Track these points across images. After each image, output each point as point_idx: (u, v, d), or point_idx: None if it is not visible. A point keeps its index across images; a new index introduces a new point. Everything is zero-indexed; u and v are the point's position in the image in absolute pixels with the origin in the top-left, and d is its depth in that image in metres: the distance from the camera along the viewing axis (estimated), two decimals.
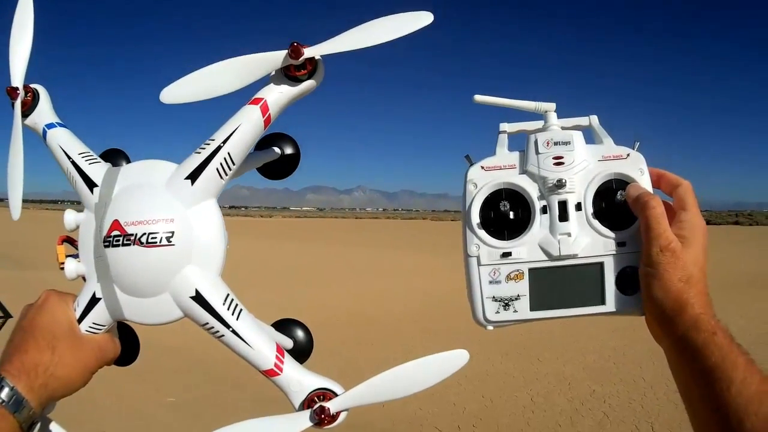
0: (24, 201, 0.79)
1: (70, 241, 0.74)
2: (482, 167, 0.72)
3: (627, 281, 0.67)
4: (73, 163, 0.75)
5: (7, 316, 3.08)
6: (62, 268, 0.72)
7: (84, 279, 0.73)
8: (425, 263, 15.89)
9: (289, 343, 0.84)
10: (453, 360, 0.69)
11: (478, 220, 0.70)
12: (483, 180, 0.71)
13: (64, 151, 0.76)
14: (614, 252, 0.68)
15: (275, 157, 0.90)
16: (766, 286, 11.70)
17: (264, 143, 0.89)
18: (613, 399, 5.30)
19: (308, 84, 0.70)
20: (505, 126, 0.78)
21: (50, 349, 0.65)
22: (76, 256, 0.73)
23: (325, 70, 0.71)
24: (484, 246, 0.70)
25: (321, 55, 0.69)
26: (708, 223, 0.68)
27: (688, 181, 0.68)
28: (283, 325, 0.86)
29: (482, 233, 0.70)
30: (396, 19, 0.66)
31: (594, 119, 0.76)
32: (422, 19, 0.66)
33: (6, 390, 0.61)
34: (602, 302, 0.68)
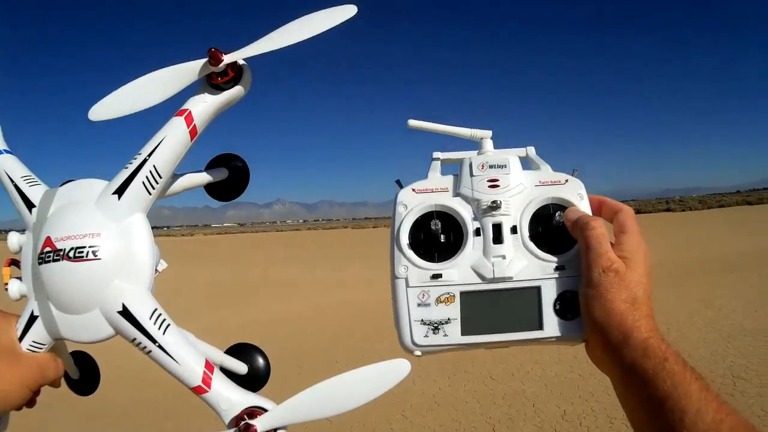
0: None
1: (16, 263, 0.74)
2: (413, 189, 0.70)
3: (566, 306, 0.65)
4: (16, 186, 0.76)
5: None
6: (6, 289, 0.72)
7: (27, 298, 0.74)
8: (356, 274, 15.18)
9: (242, 369, 0.80)
10: (393, 371, 0.63)
11: (407, 241, 0.68)
12: (414, 202, 0.69)
13: (8, 175, 0.77)
14: (553, 276, 0.65)
15: (223, 177, 0.86)
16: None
17: (215, 164, 0.87)
18: (590, 420, 4.37)
19: (233, 92, 0.69)
20: (438, 154, 0.75)
21: None
22: (21, 278, 0.73)
23: (252, 75, 0.70)
24: (413, 267, 0.67)
25: (245, 59, 0.68)
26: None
27: (629, 206, 0.66)
28: (239, 350, 0.82)
29: (411, 254, 0.67)
30: (318, 16, 0.66)
31: (531, 150, 0.74)
32: (345, 12, 0.65)
33: None
34: (539, 327, 0.65)
